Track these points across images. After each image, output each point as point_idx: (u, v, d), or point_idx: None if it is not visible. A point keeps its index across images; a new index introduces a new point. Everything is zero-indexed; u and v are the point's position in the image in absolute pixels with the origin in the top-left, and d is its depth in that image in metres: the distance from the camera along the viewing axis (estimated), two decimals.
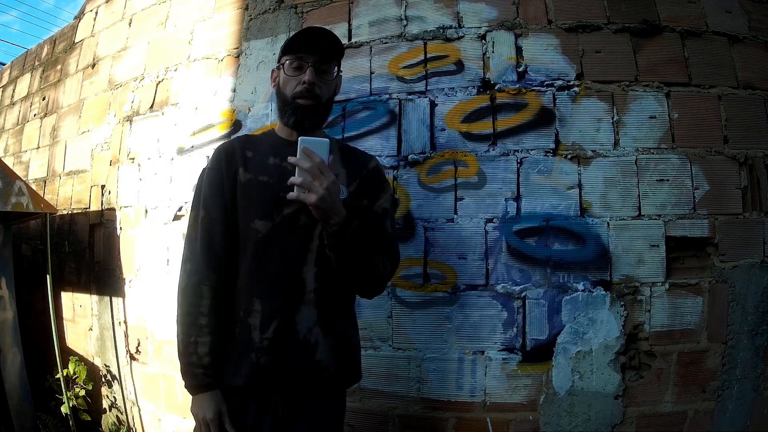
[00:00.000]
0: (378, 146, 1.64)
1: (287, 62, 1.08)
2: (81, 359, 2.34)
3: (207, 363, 1.02)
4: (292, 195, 0.95)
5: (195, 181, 1.90)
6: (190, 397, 1.06)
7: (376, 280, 1.11)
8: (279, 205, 1.05)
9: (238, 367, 1.03)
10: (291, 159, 0.95)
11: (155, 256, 2.02)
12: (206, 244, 1.06)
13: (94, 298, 2.33)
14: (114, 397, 2.24)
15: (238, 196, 1.07)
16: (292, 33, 1.78)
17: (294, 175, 0.94)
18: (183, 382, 1.07)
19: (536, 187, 1.54)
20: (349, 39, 1.73)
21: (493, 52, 1.61)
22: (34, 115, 2.87)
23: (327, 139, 0.98)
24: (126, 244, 2.16)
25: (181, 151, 1.98)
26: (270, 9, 1.87)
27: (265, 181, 1.07)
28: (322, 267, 1.05)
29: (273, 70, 1.18)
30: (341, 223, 0.97)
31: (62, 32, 2.87)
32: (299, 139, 0.94)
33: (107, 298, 2.25)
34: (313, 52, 1.07)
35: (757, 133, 1.56)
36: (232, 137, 1.19)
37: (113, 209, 2.23)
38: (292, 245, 1.05)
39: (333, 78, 1.13)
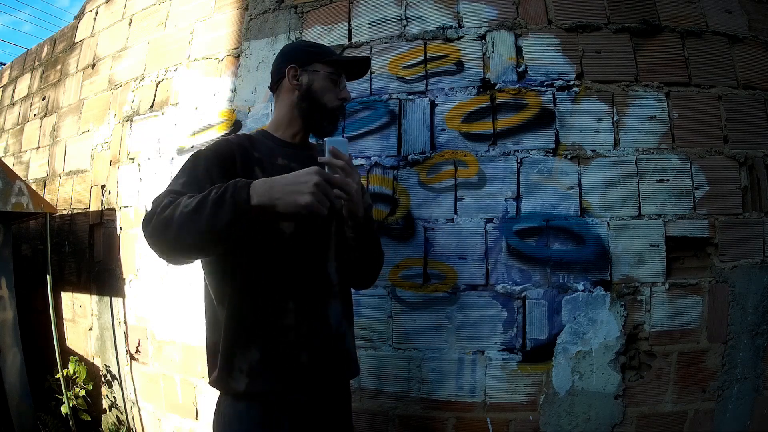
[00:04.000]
0: (378, 146, 1.64)
1: (327, 72, 1.13)
2: (81, 359, 2.34)
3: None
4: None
5: None
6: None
7: (378, 269, 1.22)
8: None
9: (271, 371, 0.99)
10: (323, 159, 0.97)
11: (155, 256, 2.01)
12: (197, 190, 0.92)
13: (94, 298, 2.33)
14: (114, 397, 2.24)
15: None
16: (293, 33, 1.80)
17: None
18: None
19: (536, 187, 1.54)
20: (349, 39, 1.73)
21: (493, 52, 1.61)
22: (34, 115, 2.87)
23: (346, 139, 1.07)
24: (126, 244, 2.16)
25: (181, 151, 1.98)
26: (270, 9, 1.87)
27: None
28: (340, 262, 1.12)
29: (292, 67, 1.11)
30: (365, 215, 1.07)
31: (62, 32, 2.87)
32: (326, 140, 0.99)
33: (107, 298, 2.25)
34: (348, 75, 1.18)
35: (757, 133, 1.56)
36: (232, 135, 1.18)
37: (113, 209, 2.23)
38: (316, 243, 1.08)
39: None
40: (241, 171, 1.02)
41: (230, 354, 1.01)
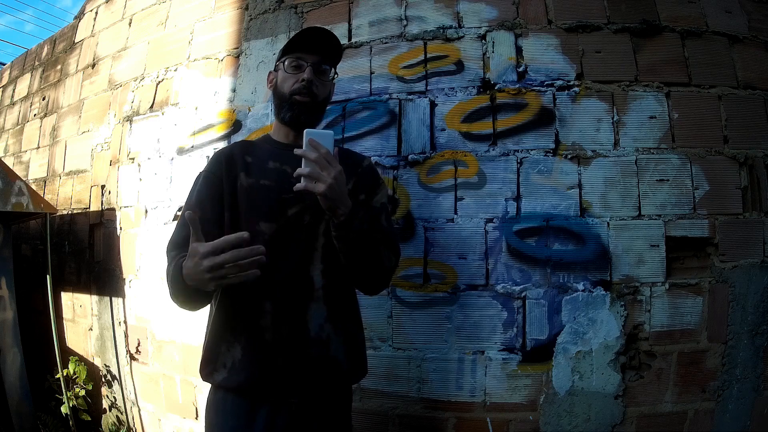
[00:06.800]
0: (378, 146, 1.64)
1: (287, 61, 1.11)
2: (81, 359, 2.34)
3: None
4: (299, 186, 0.94)
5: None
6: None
7: (382, 273, 1.11)
8: (282, 207, 1.06)
9: (249, 369, 1.01)
10: (297, 151, 0.94)
11: (155, 256, 2.02)
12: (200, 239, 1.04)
13: (94, 298, 2.33)
14: (114, 397, 2.24)
15: (239, 200, 1.07)
16: (293, 33, 1.80)
17: (297, 174, 0.95)
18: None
19: (536, 187, 1.54)
20: (349, 39, 1.73)
21: (493, 52, 1.61)
22: (34, 115, 2.87)
23: (331, 131, 1.00)
24: (126, 244, 2.16)
25: (181, 151, 1.98)
26: (270, 9, 1.87)
27: (267, 185, 1.08)
28: (329, 264, 1.07)
29: (270, 72, 1.21)
30: (348, 214, 0.98)
31: (62, 32, 2.87)
32: (305, 131, 0.96)
33: (107, 298, 2.25)
34: (313, 52, 1.11)
35: (757, 133, 1.56)
36: (232, 143, 1.19)
37: (113, 209, 2.23)
38: (299, 245, 1.06)
39: (330, 79, 1.17)
40: (225, 183, 1.08)
41: (216, 350, 1.05)
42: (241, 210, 1.06)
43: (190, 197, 1.11)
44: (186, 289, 0.92)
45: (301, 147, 0.96)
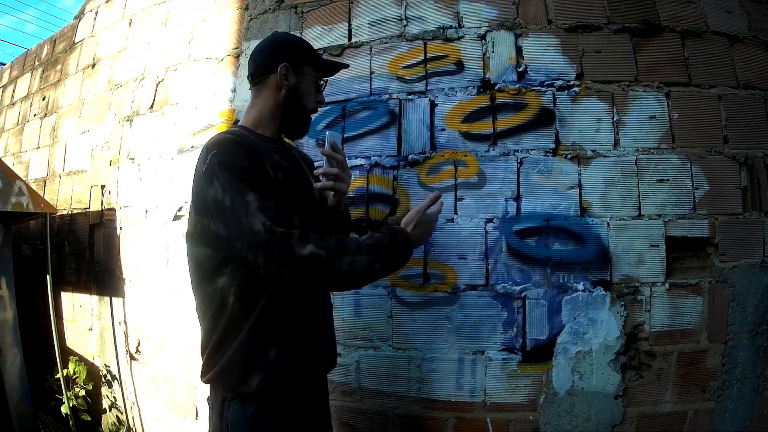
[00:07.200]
0: (378, 146, 1.64)
1: (314, 75, 1.16)
2: (81, 359, 2.34)
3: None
4: (327, 184, 1.07)
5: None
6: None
7: None
8: (299, 200, 1.10)
9: (289, 366, 1.01)
10: (324, 151, 1.11)
11: (155, 256, 2.02)
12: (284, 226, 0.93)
13: (94, 298, 2.33)
14: (114, 397, 2.24)
15: (271, 192, 0.99)
16: (293, 33, 1.80)
17: (324, 173, 1.12)
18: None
19: (536, 187, 1.53)
20: (349, 39, 1.73)
21: (493, 52, 1.61)
22: (34, 115, 2.87)
23: (339, 133, 1.08)
24: (126, 244, 2.16)
25: (181, 151, 1.98)
26: (270, 9, 1.87)
27: (281, 178, 1.06)
28: None
29: (286, 66, 1.11)
30: (345, 209, 1.18)
31: (62, 32, 2.87)
32: (327, 132, 1.09)
33: (107, 298, 2.25)
34: (324, 77, 1.21)
35: (757, 133, 1.56)
36: (223, 132, 1.11)
37: (113, 209, 2.23)
38: None
39: None
40: (259, 174, 0.99)
41: (247, 354, 0.99)
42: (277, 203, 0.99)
43: (240, 187, 0.94)
44: (400, 255, 1.04)
45: (284, 144, 1.02)
